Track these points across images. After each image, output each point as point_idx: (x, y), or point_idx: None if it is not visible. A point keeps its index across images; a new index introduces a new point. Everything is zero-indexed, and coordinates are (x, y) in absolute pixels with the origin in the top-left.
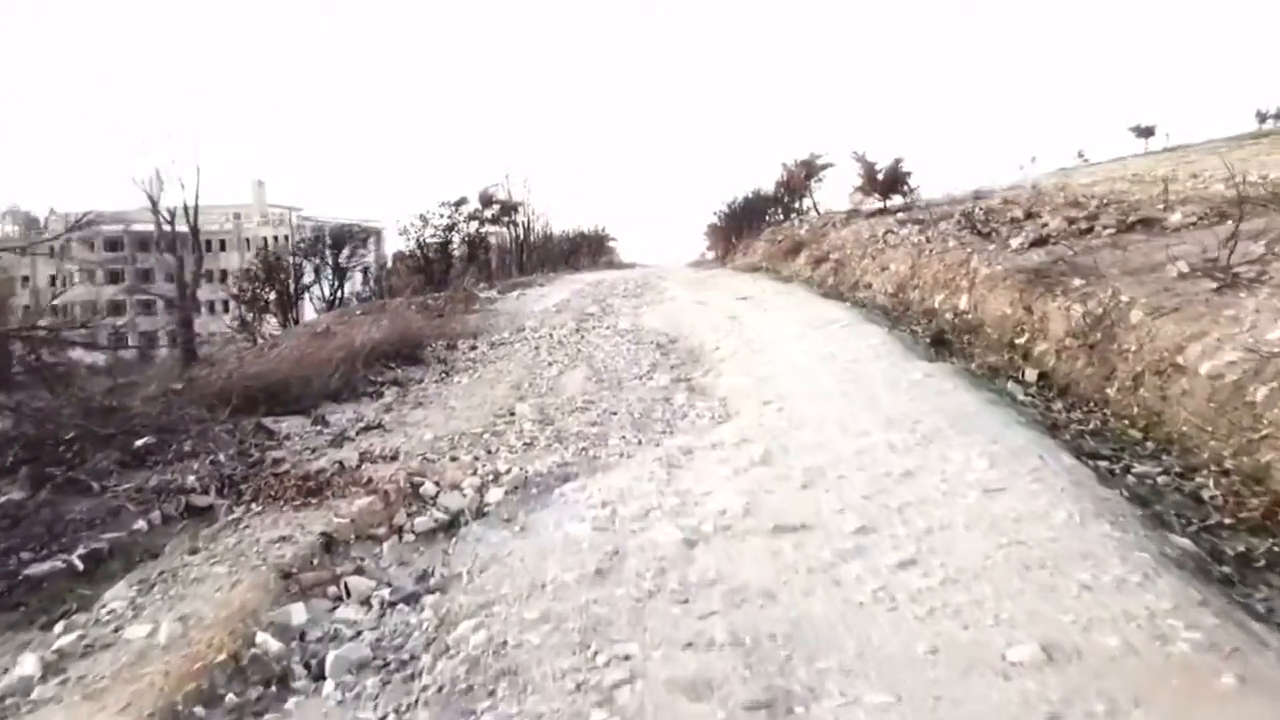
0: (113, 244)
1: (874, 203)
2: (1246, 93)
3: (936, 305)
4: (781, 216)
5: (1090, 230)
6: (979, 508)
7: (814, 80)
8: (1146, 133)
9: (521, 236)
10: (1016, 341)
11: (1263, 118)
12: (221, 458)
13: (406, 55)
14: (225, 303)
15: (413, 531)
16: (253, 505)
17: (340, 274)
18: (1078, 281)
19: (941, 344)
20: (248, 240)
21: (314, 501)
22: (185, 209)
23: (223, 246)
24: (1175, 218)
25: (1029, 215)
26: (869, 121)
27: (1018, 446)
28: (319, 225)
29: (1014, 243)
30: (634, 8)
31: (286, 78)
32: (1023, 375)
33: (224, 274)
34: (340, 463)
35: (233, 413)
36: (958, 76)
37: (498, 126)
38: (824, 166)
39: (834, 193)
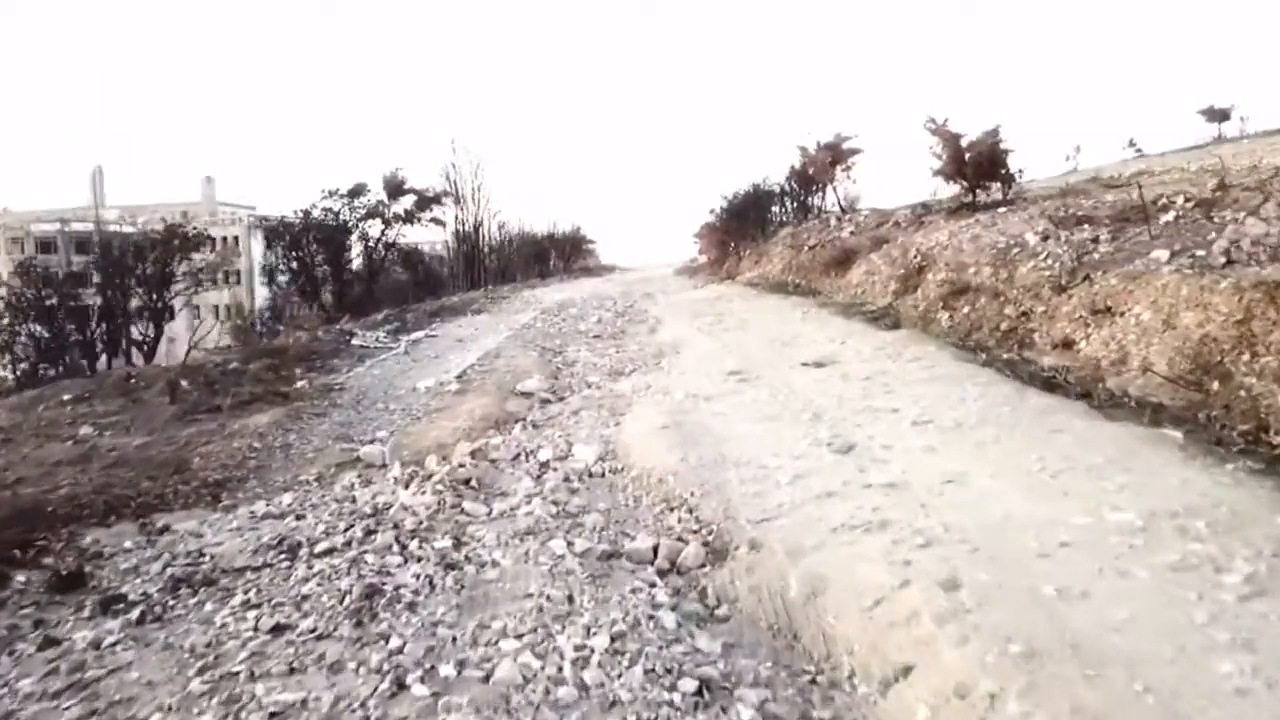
0: (45, 245)
1: (956, 192)
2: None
3: None
4: (795, 215)
5: None
6: None
7: (810, 73)
8: (1221, 116)
9: (472, 237)
10: None
11: None
12: None
13: (389, 46)
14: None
15: None
16: None
17: (157, 294)
18: None
19: None
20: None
21: None
22: None
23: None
24: None
25: None
26: (870, 116)
27: None
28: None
29: None
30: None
31: (257, 70)
32: None
33: None
34: None
35: None
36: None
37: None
38: (853, 152)
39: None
